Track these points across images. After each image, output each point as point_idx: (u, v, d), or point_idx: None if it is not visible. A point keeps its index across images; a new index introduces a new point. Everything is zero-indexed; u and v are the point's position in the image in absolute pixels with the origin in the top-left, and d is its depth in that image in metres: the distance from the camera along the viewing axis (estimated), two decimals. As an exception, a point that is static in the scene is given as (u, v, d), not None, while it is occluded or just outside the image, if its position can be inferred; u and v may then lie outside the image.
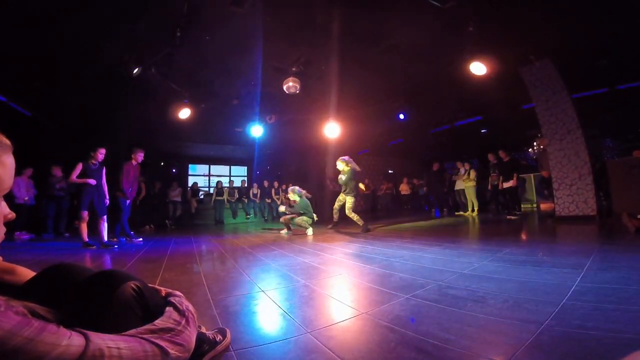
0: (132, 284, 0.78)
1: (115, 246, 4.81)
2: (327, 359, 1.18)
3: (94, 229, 4.86)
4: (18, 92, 6.39)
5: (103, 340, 0.58)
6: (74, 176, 4.61)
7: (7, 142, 0.67)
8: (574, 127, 5.71)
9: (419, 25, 4.87)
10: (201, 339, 1.10)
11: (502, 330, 1.34)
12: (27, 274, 0.88)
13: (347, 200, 6.00)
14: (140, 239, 5.48)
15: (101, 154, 4.87)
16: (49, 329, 0.54)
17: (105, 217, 4.86)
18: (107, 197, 5.04)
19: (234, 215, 10.42)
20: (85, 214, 4.69)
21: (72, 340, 0.54)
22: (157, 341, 0.67)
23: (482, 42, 5.05)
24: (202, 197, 11.18)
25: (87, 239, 4.65)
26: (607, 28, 5.05)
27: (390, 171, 15.30)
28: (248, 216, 10.47)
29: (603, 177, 6.37)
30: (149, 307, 0.79)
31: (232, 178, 13.52)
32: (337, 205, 6.29)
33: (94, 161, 4.79)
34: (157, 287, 0.95)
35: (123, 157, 5.51)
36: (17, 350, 0.48)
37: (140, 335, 0.66)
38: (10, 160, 0.67)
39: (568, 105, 5.78)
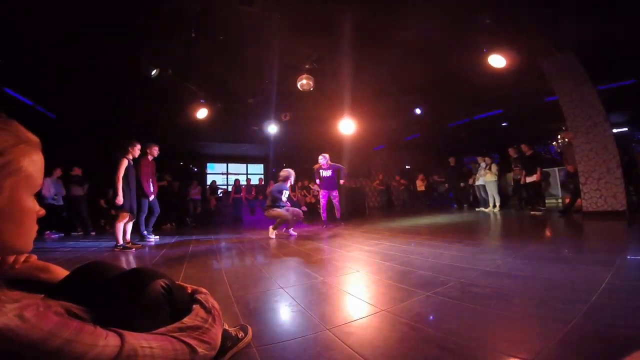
0: (161, 282, 0.79)
1: (146, 245, 4.89)
2: (346, 355, 1.18)
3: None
4: (43, 95, 6.65)
5: (137, 340, 0.59)
6: (120, 174, 4.46)
7: (36, 139, 0.68)
8: (600, 120, 5.45)
9: (433, 18, 4.75)
10: (224, 335, 1.11)
11: (528, 328, 1.30)
12: (60, 272, 0.90)
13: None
14: (151, 239, 5.30)
15: (138, 149, 4.80)
16: (87, 329, 0.55)
17: (136, 217, 4.84)
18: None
19: (252, 212, 10.57)
20: (126, 214, 4.56)
21: (109, 340, 0.56)
22: (186, 339, 0.68)
23: (498, 34, 4.90)
24: (220, 195, 11.39)
25: (121, 242, 4.48)
26: (633, 16, 4.79)
27: (407, 167, 15.09)
28: (265, 213, 10.59)
29: (633, 170, 6.08)
30: (176, 304, 0.81)
31: (249, 176, 13.70)
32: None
33: (130, 156, 4.68)
34: (183, 284, 0.97)
35: (141, 155, 5.32)
36: (57, 351, 0.49)
37: (170, 334, 0.67)
38: (39, 158, 0.67)
39: (594, 97, 5.52)
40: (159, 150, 5.57)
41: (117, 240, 4.48)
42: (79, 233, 7.21)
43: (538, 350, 1.10)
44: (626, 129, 11.23)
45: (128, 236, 4.78)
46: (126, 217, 4.59)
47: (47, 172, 6.58)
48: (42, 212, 0.68)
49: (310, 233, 5.59)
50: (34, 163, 0.65)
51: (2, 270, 0.74)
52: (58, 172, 7.08)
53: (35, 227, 0.67)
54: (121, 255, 4.08)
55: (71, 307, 0.63)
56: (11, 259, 0.79)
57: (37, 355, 0.48)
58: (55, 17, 4.19)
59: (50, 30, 4.48)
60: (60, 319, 0.53)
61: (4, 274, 0.73)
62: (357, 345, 1.24)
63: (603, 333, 1.19)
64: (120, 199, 4.45)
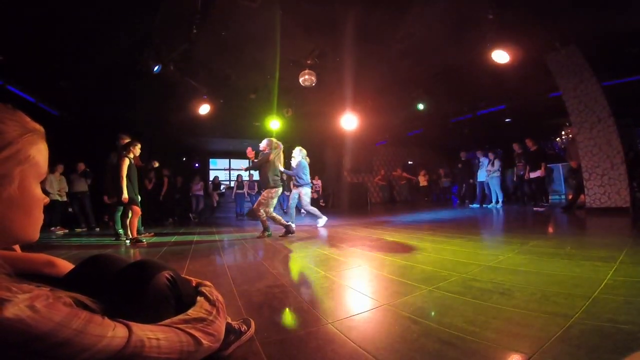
0: (166, 274, 0.80)
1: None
2: (347, 349, 1.19)
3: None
4: (46, 92, 6.67)
5: (143, 331, 0.60)
6: (123, 173, 4.55)
7: (41, 128, 0.68)
8: (605, 116, 5.40)
9: (437, 14, 4.71)
10: (228, 329, 1.12)
11: (529, 323, 1.31)
12: (66, 266, 0.91)
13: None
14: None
15: (139, 148, 4.89)
16: (95, 320, 0.54)
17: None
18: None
19: (254, 208, 10.60)
20: (138, 208, 4.67)
21: (117, 331, 0.56)
22: (191, 331, 0.69)
23: (502, 30, 4.85)
24: (223, 190, 11.41)
25: (135, 235, 4.61)
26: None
27: (409, 162, 15.05)
28: (268, 209, 10.61)
29: (637, 167, 6.04)
30: (181, 296, 0.81)
31: (251, 172, 13.71)
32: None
33: (131, 155, 4.78)
34: (188, 277, 0.97)
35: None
36: (65, 342, 0.49)
37: (175, 325, 0.68)
38: (45, 147, 0.68)
39: (598, 93, 5.47)
40: (162, 147, 5.63)
41: (131, 234, 4.63)
42: (83, 229, 7.25)
43: (539, 345, 1.10)
44: (631, 125, 11.11)
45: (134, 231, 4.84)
46: (139, 212, 4.72)
47: (50, 169, 6.69)
48: (47, 200, 0.69)
49: (313, 228, 5.60)
50: (40, 151, 0.66)
51: (9, 260, 0.75)
52: (60, 169, 7.12)
53: (42, 217, 0.68)
54: (131, 249, 4.17)
55: (80, 297, 0.63)
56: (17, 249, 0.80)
57: (46, 347, 0.48)
58: (58, 13, 4.19)
59: (53, 27, 4.47)
60: (70, 310, 0.53)
61: (10, 265, 0.74)
62: (359, 339, 1.25)
63: (604, 329, 1.19)
64: (126, 196, 4.55)
